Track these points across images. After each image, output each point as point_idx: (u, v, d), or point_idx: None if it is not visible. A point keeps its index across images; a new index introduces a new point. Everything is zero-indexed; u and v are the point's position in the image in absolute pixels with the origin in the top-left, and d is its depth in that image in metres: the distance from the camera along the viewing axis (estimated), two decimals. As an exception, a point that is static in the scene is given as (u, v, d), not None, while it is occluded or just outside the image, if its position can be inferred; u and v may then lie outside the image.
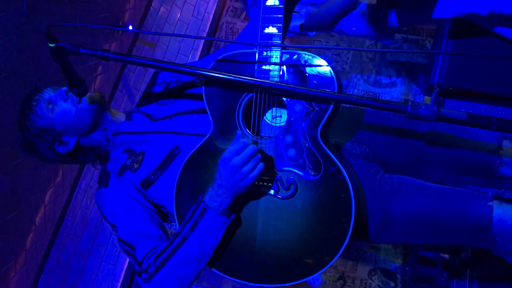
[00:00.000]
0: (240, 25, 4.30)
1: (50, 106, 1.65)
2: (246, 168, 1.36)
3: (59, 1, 2.91)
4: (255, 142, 1.44)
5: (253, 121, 1.44)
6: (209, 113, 1.49)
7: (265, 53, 1.41)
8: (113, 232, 1.62)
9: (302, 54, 1.41)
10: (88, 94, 1.64)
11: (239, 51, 1.46)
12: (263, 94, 1.42)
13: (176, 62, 4.17)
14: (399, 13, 2.27)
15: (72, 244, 3.48)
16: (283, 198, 1.43)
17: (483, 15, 2.13)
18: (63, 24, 1.27)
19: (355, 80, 3.85)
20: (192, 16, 4.28)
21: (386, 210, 1.54)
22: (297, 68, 1.41)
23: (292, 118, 1.42)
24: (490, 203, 1.51)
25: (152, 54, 4.03)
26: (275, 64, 1.40)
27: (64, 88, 1.65)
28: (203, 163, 1.50)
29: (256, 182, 1.43)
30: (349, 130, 1.63)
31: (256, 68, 1.42)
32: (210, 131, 1.50)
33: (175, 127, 1.67)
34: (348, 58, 3.92)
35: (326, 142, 1.43)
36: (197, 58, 4.26)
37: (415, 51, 2.95)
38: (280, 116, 1.48)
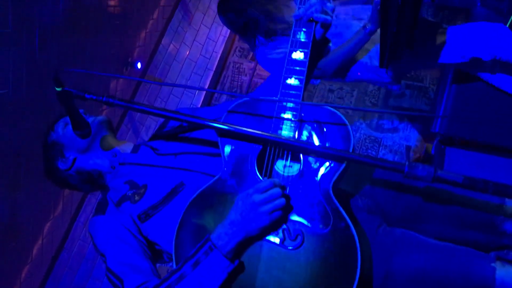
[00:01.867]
0: (247, 64, 4.37)
1: (66, 125, 1.71)
2: (265, 208, 1.32)
3: (70, 36, 2.98)
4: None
5: (266, 167, 1.42)
6: (222, 153, 1.48)
7: (284, 103, 1.42)
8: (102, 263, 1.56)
9: (322, 109, 1.42)
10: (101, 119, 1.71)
11: (258, 98, 1.48)
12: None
13: (182, 98, 4.24)
14: (402, 61, 2.32)
15: (68, 277, 3.45)
16: (288, 248, 1.39)
17: (485, 60, 2.18)
18: (70, 70, 1.30)
19: (357, 124, 3.88)
20: (200, 54, 4.37)
21: (388, 267, 1.51)
22: (315, 123, 1.42)
23: (305, 169, 1.41)
24: (493, 264, 1.47)
25: (159, 89, 4.09)
26: (292, 116, 1.41)
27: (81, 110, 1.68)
28: (210, 204, 1.46)
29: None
30: (353, 182, 1.63)
31: (274, 117, 1.42)
32: (221, 172, 1.48)
33: (181, 164, 1.65)
34: (351, 102, 3.96)
35: (337, 195, 1.41)
36: (202, 97, 4.32)
37: (415, 114, 2.99)
38: (291, 167, 1.45)
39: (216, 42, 4.41)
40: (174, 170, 1.63)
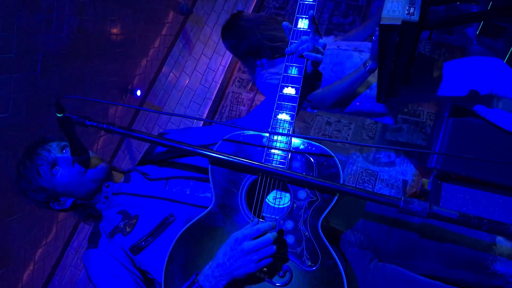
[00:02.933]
0: (246, 95, 4.42)
1: (54, 169, 1.63)
2: (254, 257, 1.31)
3: (71, 63, 3.02)
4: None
5: (256, 202, 1.43)
6: (212, 186, 1.48)
7: (275, 137, 1.43)
8: None
9: (312, 144, 1.42)
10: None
11: (249, 132, 1.48)
12: (267, 177, 1.42)
13: (180, 126, 4.26)
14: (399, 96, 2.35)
15: (58, 304, 3.40)
16: (276, 285, 1.39)
17: (482, 94, 2.21)
18: (71, 97, 1.31)
19: (354, 157, 3.90)
20: (199, 83, 4.42)
21: None
22: (304, 156, 1.42)
23: (295, 205, 1.41)
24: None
25: (158, 116, 4.12)
26: (283, 150, 1.41)
27: (71, 158, 1.61)
28: (199, 238, 1.47)
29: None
30: (345, 217, 1.63)
31: (264, 150, 1.43)
32: (211, 206, 1.48)
33: (171, 194, 1.65)
34: (348, 135, 3.99)
35: (326, 232, 1.41)
36: (201, 123, 4.34)
37: (411, 150, 3.00)
38: (281, 198, 1.47)
39: (216, 72, 4.47)
40: (164, 201, 1.63)
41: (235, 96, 4.47)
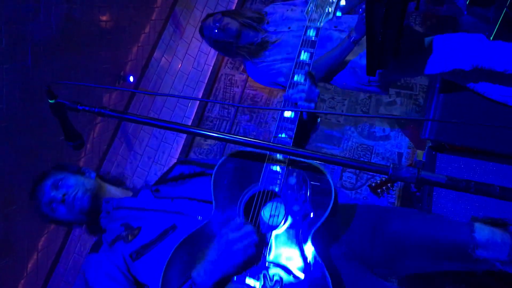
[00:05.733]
0: (239, 76, 4.42)
1: (52, 207, 1.81)
2: (239, 246, 1.41)
3: (62, 52, 3.01)
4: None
5: (252, 215, 1.51)
6: (213, 199, 1.56)
7: (277, 155, 1.53)
8: None
9: (308, 162, 1.52)
10: None
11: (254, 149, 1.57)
12: (265, 193, 1.51)
13: (175, 110, 4.27)
14: (389, 70, 2.36)
15: (63, 292, 3.45)
16: None
17: (467, 70, 2.23)
18: (62, 82, 1.32)
19: (349, 132, 3.92)
20: (192, 67, 4.41)
21: None
22: (300, 172, 1.52)
23: (289, 219, 1.49)
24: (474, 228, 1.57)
25: (152, 102, 4.12)
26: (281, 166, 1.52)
27: (59, 198, 1.79)
28: (197, 246, 1.54)
29: (243, 273, 1.46)
30: (333, 232, 1.67)
31: (264, 166, 1.54)
32: (210, 217, 1.55)
33: (176, 207, 1.72)
34: (342, 111, 4.01)
35: (317, 245, 1.48)
36: (195, 109, 4.35)
37: (406, 117, 3.02)
38: (277, 216, 1.53)
39: (208, 55, 4.46)
40: (168, 213, 1.71)
41: (228, 78, 4.46)
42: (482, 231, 1.61)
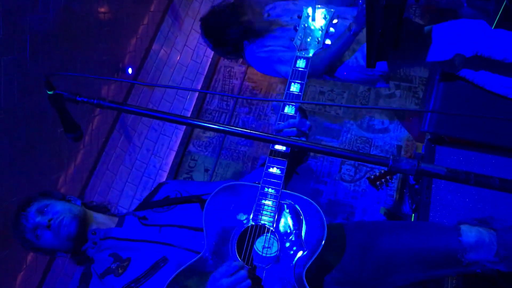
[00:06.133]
0: (238, 68, 4.40)
1: (36, 234, 1.75)
2: None
3: (61, 44, 3.00)
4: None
5: (246, 248, 1.52)
6: (205, 233, 1.56)
7: (266, 189, 1.55)
8: None
9: (301, 198, 1.54)
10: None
11: (245, 183, 1.61)
12: (258, 227, 1.53)
13: (174, 102, 4.26)
14: (389, 61, 2.36)
15: (62, 284, 3.45)
16: None
17: (467, 57, 2.23)
18: (61, 73, 1.32)
19: (348, 125, 3.92)
20: (191, 59, 4.39)
21: None
22: (293, 207, 1.54)
23: (282, 254, 1.50)
24: (461, 232, 1.59)
25: (151, 94, 4.11)
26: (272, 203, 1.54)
27: (45, 223, 1.73)
28: (190, 283, 1.53)
29: None
30: (322, 261, 1.66)
31: (256, 200, 1.55)
32: (202, 252, 1.55)
33: (165, 238, 1.71)
34: (342, 103, 4.00)
35: (309, 278, 1.48)
36: (193, 101, 4.34)
37: (406, 109, 3.02)
38: (270, 248, 1.54)
39: (207, 47, 4.44)
40: (157, 244, 1.69)
41: (227, 70, 4.45)
42: (470, 233, 1.63)
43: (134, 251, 1.70)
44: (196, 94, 4.36)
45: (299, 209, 1.53)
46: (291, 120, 1.61)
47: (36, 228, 1.74)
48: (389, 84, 2.61)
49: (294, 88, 1.66)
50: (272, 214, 1.52)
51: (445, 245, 1.62)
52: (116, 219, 1.84)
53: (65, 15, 2.99)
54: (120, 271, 1.66)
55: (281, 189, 1.54)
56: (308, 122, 1.64)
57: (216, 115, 4.34)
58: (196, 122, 1.38)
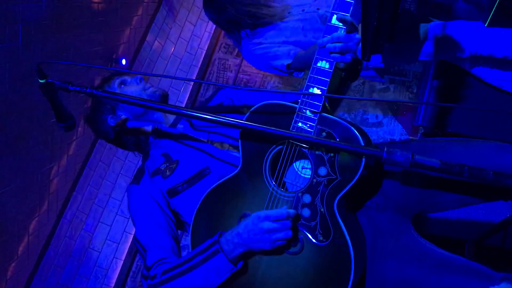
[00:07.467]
0: (232, 61, 4.39)
1: (122, 85, 1.86)
2: (271, 237, 1.42)
3: (53, 33, 2.97)
4: (275, 195, 1.50)
5: (279, 170, 1.49)
6: (240, 152, 1.55)
7: (305, 111, 1.45)
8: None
9: (339, 121, 1.43)
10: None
11: (278, 102, 1.51)
12: (292, 148, 1.47)
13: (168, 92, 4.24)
14: (384, 56, 2.35)
15: (54, 275, 3.44)
16: (288, 253, 1.47)
17: (464, 57, 2.23)
18: (52, 61, 1.30)
19: (342, 118, 3.91)
20: (185, 51, 4.37)
21: (382, 272, 1.54)
22: (329, 132, 1.44)
23: (315, 180, 1.45)
24: (496, 286, 1.46)
25: (144, 86, 4.09)
26: (311, 123, 1.45)
27: (140, 77, 1.88)
28: (224, 198, 1.57)
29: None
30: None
31: (293, 121, 1.47)
32: (238, 169, 1.56)
33: (211, 149, 1.75)
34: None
35: (342, 210, 1.44)
36: (188, 93, 4.32)
37: (400, 101, 3.02)
38: (309, 168, 1.50)
39: (201, 39, 4.42)
40: (203, 153, 1.74)
41: (222, 62, 4.43)
42: None
43: (183, 154, 1.75)
44: (190, 86, 4.34)
45: (336, 136, 1.42)
46: (335, 34, 1.44)
47: (123, 83, 1.87)
48: (384, 78, 2.61)
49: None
50: (310, 132, 1.44)
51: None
52: (172, 118, 1.90)
53: (58, 3, 2.96)
54: (168, 173, 1.72)
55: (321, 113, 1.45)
56: (358, 35, 1.49)
57: (210, 107, 4.32)
58: (190, 113, 1.37)
